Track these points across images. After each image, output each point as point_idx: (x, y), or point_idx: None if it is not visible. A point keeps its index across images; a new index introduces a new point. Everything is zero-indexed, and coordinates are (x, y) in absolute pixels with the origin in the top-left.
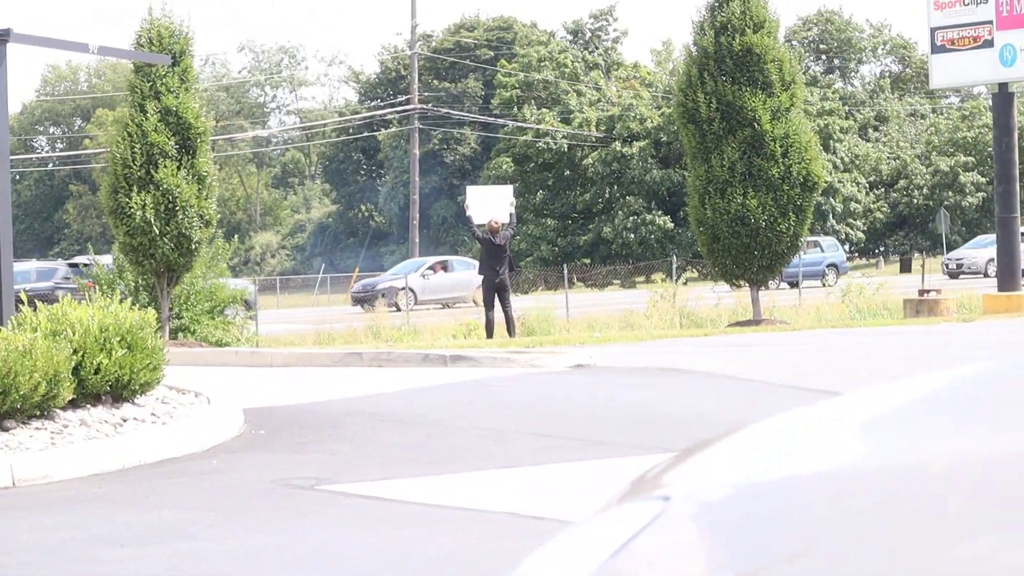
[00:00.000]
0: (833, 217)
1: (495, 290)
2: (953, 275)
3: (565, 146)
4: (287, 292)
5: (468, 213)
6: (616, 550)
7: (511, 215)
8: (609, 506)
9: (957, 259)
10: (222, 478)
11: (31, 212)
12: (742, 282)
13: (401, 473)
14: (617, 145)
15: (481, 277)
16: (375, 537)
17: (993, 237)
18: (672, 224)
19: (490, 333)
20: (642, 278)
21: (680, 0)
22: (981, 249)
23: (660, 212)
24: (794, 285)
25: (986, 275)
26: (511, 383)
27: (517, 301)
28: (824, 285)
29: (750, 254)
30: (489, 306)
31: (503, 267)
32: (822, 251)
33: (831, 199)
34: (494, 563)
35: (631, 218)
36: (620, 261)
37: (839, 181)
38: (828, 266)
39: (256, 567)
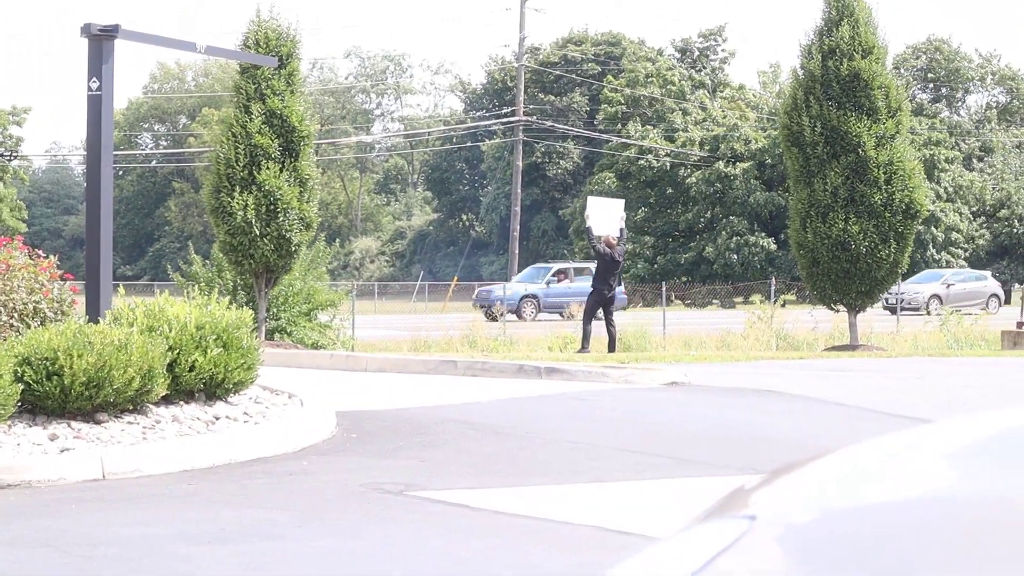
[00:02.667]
0: (934, 246)
1: (602, 304)
2: None
3: (668, 164)
4: (385, 298)
5: (588, 224)
6: (699, 568)
7: (621, 229)
8: (695, 524)
9: None
10: (311, 480)
11: (132, 208)
12: (840, 307)
13: (490, 483)
14: (721, 165)
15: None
16: (460, 546)
17: None
18: (775, 246)
19: (586, 346)
20: (741, 299)
21: (789, 23)
22: None
23: (763, 234)
24: (893, 311)
25: None
26: (605, 398)
27: (616, 316)
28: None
29: (849, 279)
30: (590, 320)
31: (616, 282)
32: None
33: (932, 228)
34: None
35: (734, 239)
36: (720, 281)
37: (941, 210)
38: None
39: (336, 569)
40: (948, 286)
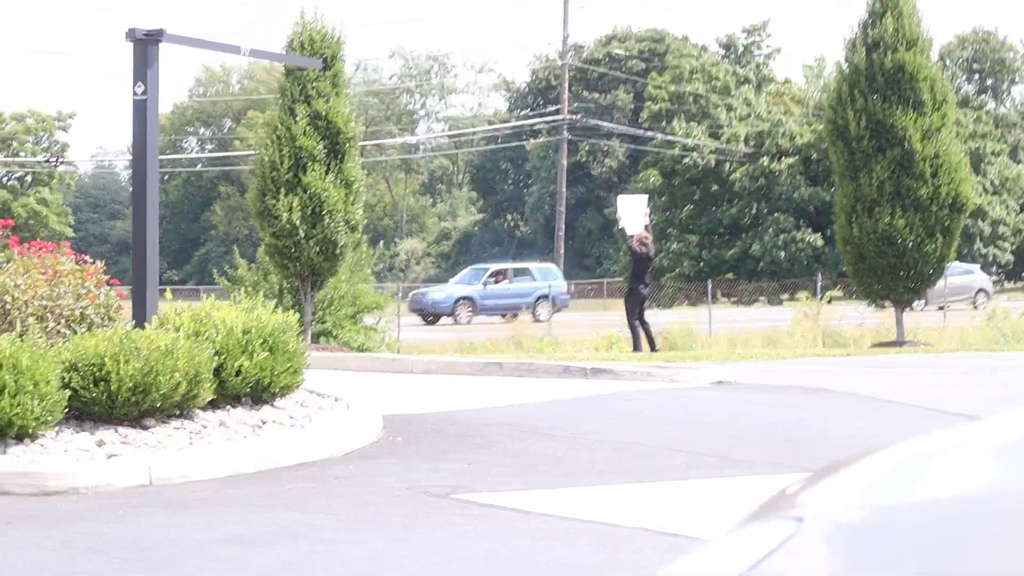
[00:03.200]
0: (981, 239)
1: (643, 302)
2: None
3: (713, 161)
4: None
5: (621, 225)
6: (749, 568)
7: (646, 225)
8: (743, 524)
9: None
10: (357, 483)
11: (179, 212)
12: (886, 302)
13: (537, 484)
14: (765, 161)
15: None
16: (506, 548)
17: None
18: (821, 242)
19: (639, 346)
20: (787, 295)
21: (834, 17)
22: None
23: (809, 230)
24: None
25: None
26: (651, 398)
27: (659, 315)
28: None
29: (896, 274)
30: (635, 319)
31: (650, 279)
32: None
33: (979, 221)
34: None
35: (780, 235)
36: (767, 278)
37: (988, 203)
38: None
39: (382, 572)
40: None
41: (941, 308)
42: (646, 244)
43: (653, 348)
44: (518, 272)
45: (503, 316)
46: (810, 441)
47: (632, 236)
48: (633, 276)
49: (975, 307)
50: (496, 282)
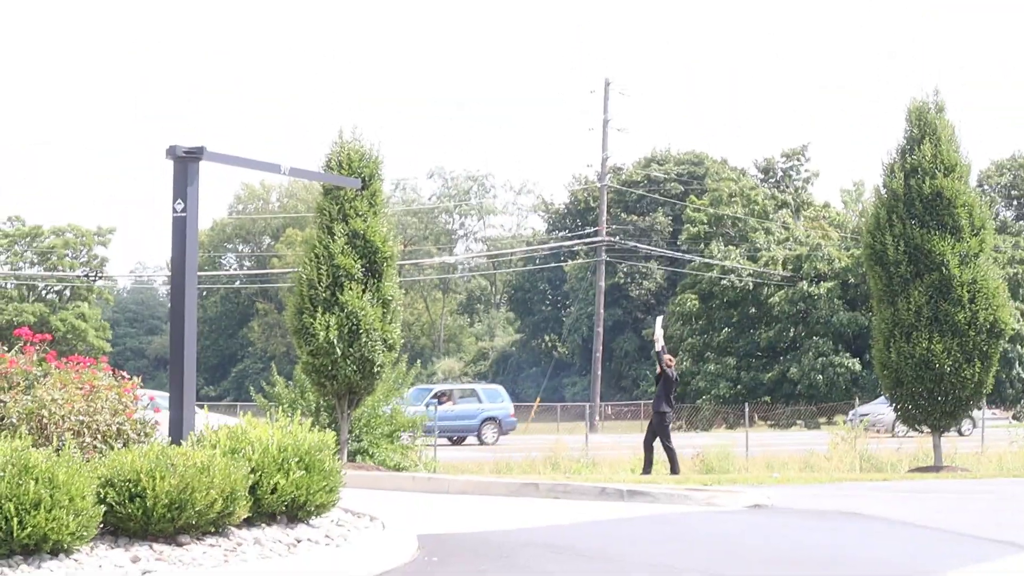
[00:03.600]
0: (1020, 364)
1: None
2: None
3: (751, 284)
4: None
5: (659, 347)
6: None
7: (663, 346)
8: None
9: None
10: None
11: (216, 328)
12: (924, 427)
13: None
14: (804, 285)
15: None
16: None
17: None
18: (859, 366)
19: (677, 467)
20: (824, 419)
21: (872, 142)
22: None
23: (847, 354)
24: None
25: None
26: (687, 520)
27: (696, 437)
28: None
29: (933, 399)
30: (669, 439)
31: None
32: None
33: (1018, 346)
34: None
35: (819, 359)
36: (804, 401)
37: None
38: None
39: None
40: None
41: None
42: (671, 365)
43: (675, 470)
44: (464, 393)
45: (450, 440)
46: (846, 566)
47: (664, 356)
48: (663, 397)
49: (961, 433)
50: (440, 403)
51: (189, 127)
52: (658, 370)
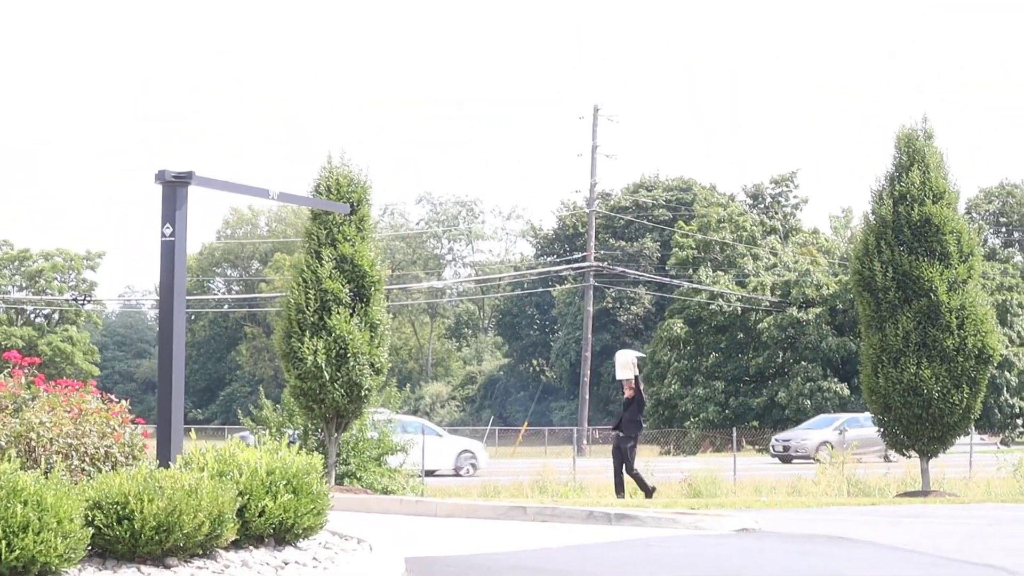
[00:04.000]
0: (1008, 390)
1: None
2: None
3: (739, 309)
4: None
5: (631, 375)
6: None
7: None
8: None
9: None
10: None
11: (205, 352)
12: (912, 452)
13: None
14: (793, 310)
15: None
16: None
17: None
18: (848, 391)
19: (649, 491)
20: None
21: (861, 169)
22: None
23: (835, 379)
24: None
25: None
26: (675, 544)
27: (684, 462)
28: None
29: (921, 424)
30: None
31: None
32: None
33: (1006, 372)
34: None
35: (807, 384)
36: (792, 425)
37: (1015, 354)
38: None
39: None
40: (841, 432)
41: (860, 460)
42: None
43: (647, 493)
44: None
45: None
46: None
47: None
48: (639, 423)
49: (886, 460)
50: None
51: (187, 127)
52: (629, 395)
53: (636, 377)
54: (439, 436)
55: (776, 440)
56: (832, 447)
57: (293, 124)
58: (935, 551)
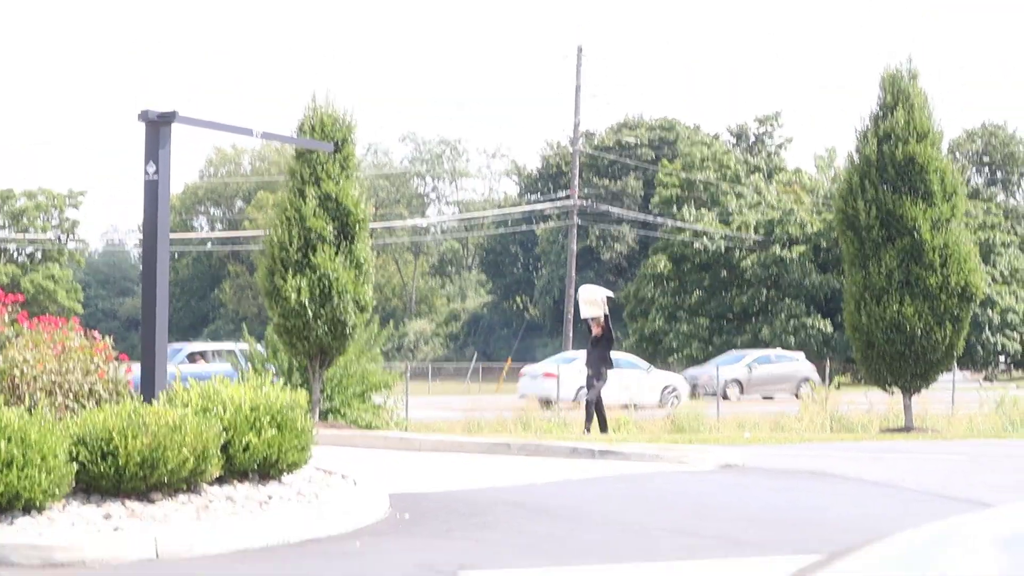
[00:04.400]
0: (990, 328)
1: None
2: None
3: (723, 247)
4: (439, 379)
5: (601, 312)
6: None
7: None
8: None
9: None
10: (364, 561)
11: (188, 291)
12: (894, 389)
13: (543, 563)
14: (777, 249)
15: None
16: None
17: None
18: (831, 328)
19: (604, 426)
20: None
21: (845, 108)
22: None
23: (819, 316)
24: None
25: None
26: (658, 479)
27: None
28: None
29: (904, 361)
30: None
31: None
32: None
33: (988, 310)
34: None
35: (791, 321)
36: None
37: (997, 293)
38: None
39: None
40: (751, 369)
41: (767, 398)
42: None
43: (605, 429)
44: (217, 353)
45: None
46: (817, 525)
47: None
48: (608, 361)
49: (797, 396)
50: (193, 363)
51: (170, 67)
52: (597, 332)
53: (606, 316)
54: (646, 372)
55: (684, 375)
56: (741, 384)
57: (272, 85)
58: (918, 487)
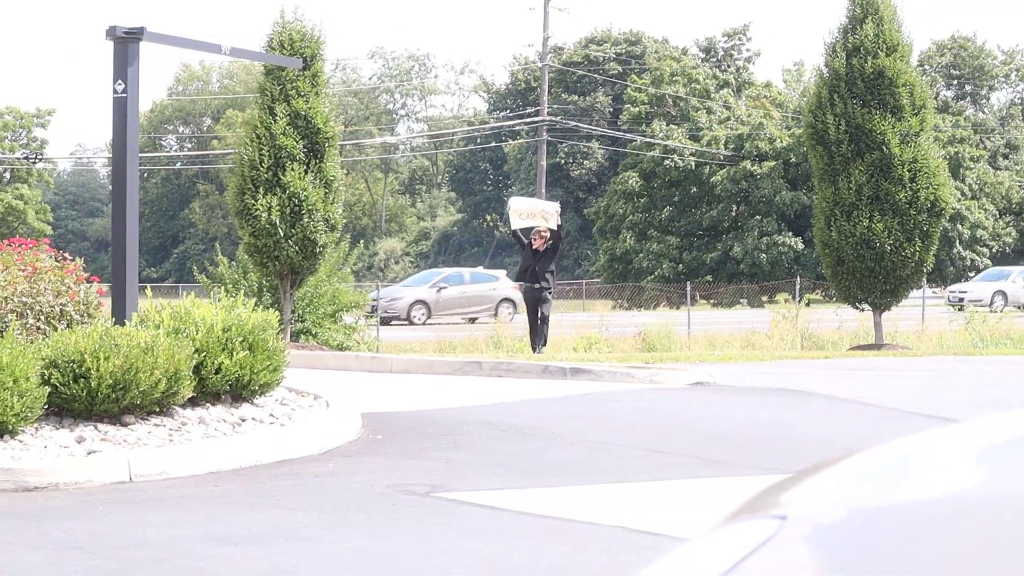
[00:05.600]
0: (960, 243)
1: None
2: None
3: (692, 163)
4: None
5: (553, 224)
6: (729, 568)
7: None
8: (723, 524)
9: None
10: (337, 481)
11: (158, 210)
12: (865, 305)
13: (516, 483)
14: (747, 164)
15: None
16: (486, 546)
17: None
18: (802, 245)
19: (532, 346)
20: (767, 298)
21: (814, 22)
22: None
23: (790, 233)
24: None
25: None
26: (630, 398)
27: (639, 316)
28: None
29: (874, 278)
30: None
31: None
32: None
33: (958, 225)
34: None
35: (762, 238)
36: (747, 280)
37: (967, 208)
38: None
39: (365, 570)
40: (439, 290)
41: (474, 320)
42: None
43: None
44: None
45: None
46: (789, 443)
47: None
48: (553, 274)
49: (496, 317)
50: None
51: (128, 5)
52: (539, 244)
53: (560, 226)
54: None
55: (371, 299)
56: (428, 306)
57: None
58: (888, 404)
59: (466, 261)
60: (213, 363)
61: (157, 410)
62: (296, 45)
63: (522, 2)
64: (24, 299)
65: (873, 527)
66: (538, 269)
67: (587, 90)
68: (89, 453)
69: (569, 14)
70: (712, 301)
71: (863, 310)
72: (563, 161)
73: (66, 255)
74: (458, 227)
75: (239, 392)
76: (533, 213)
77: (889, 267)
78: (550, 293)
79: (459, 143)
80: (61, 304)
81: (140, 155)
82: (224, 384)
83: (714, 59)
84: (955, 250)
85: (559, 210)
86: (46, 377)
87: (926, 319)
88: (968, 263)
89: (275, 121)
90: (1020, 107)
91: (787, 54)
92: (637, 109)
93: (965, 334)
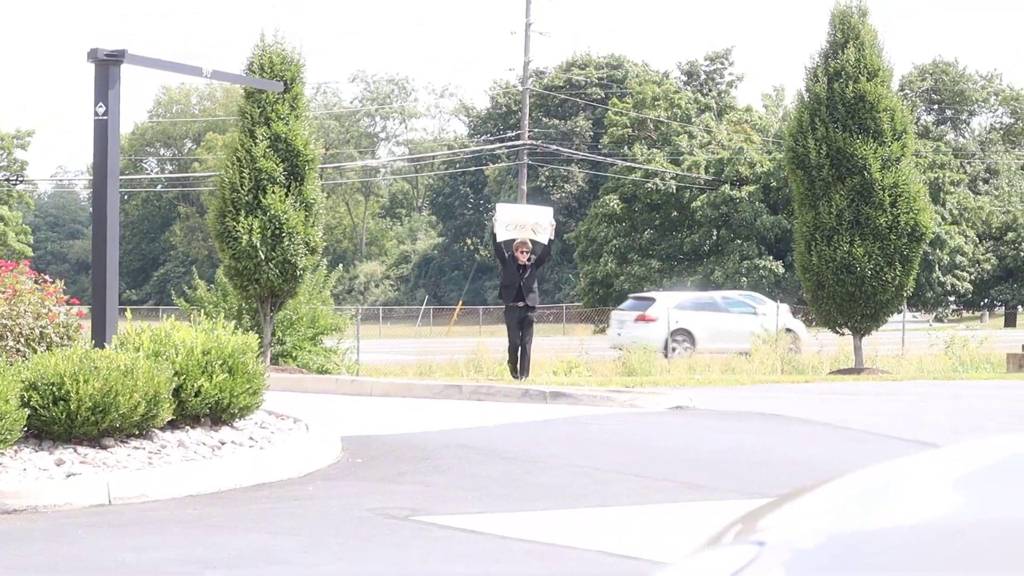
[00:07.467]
0: (939, 268)
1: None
2: None
3: (674, 187)
4: (390, 322)
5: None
6: None
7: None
8: (703, 548)
9: None
10: (317, 505)
11: (138, 232)
12: (845, 330)
13: (496, 507)
14: (727, 188)
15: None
16: (467, 570)
17: None
18: (782, 269)
19: (513, 371)
20: None
21: (796, 46)
22: None
23: (770, 257)
24: None
25: None
26: (610, 422)
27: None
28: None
29: (854, 302)
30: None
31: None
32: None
33: (938, 250)
34: None
35: (743, 262)
36: None
37: (947, 232)
38: None
39: None
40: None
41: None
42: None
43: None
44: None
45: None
46: (769, 467)
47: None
48: (537, 293)
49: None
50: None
51: (109, 28)
52: (524, 259)
53: (551, 241)
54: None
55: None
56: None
57: (215, 23)
58: (868, 428)
59: (446, 285)
60: (193, 386)
61: (137, 433)
62: (276, 68)
63: (503, 26)
64: (4, 321)
65: (853, 553)
66: (523, 286)
67: (568, 114)
68: (68, 476)
69: (550, 38)
70: None
71: (843, 334)
72: (544, 185)
73: (46, 277)
74: (438, 250)
75: (219, 415)
76: (523, 225)
77: (869, 291)
78: (534, 315)
79: (440, 166)
80: (41, 326)
81: (121, 177)
82: (204, 407)
83: (696, 83)
84: (935, 275)
85: (553, 222)
86: (26, 399)
87: (906, 343)
88: (948, 288)
89: (255, 144)
90: (1000, 132)
91: (768, 79)
92: (619, 133)
93: (945, 358)
